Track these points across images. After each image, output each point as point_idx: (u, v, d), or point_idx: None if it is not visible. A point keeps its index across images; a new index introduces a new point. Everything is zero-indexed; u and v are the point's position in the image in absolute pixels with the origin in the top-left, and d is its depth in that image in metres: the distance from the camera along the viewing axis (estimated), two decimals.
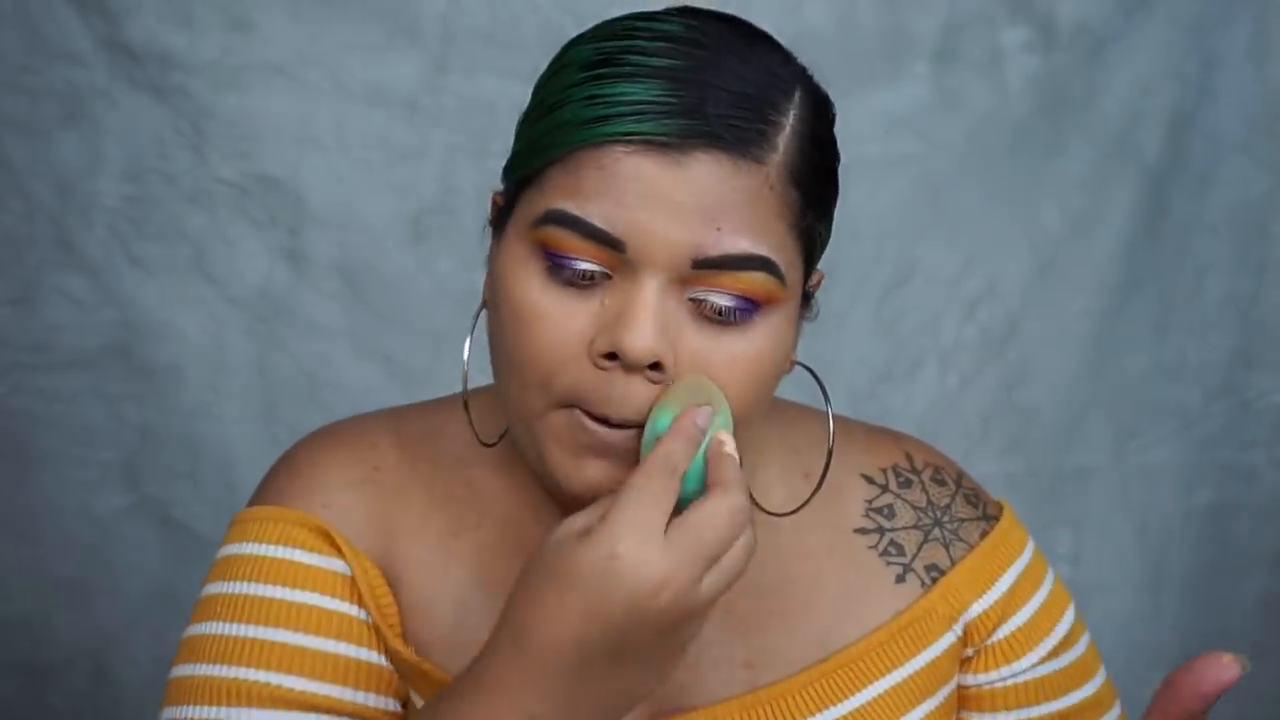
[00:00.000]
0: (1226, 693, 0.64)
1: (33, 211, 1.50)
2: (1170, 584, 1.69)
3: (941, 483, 0.89)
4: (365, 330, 1.56)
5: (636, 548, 0.63)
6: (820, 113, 0.76)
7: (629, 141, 0.70)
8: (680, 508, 0.67)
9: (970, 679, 0.87)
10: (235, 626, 0.79)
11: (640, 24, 0.74)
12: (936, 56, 1.59)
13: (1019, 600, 0.87)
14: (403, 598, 0.82)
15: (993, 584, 0.86)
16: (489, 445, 0.83)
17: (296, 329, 1.56)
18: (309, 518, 0.82)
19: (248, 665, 0.78)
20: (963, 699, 0.87)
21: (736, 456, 0.69)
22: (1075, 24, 1.60)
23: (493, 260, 0.78)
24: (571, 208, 0.70)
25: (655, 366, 0.70)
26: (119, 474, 1.56)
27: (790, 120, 0.73)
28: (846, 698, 0.82)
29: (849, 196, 1.72)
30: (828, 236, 0.78)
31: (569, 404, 0.72)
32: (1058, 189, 1.63)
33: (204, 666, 0.79)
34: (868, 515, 0.87)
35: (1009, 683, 0.86)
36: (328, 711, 0.78)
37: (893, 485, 0.88)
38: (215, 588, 0.81)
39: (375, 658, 0.80)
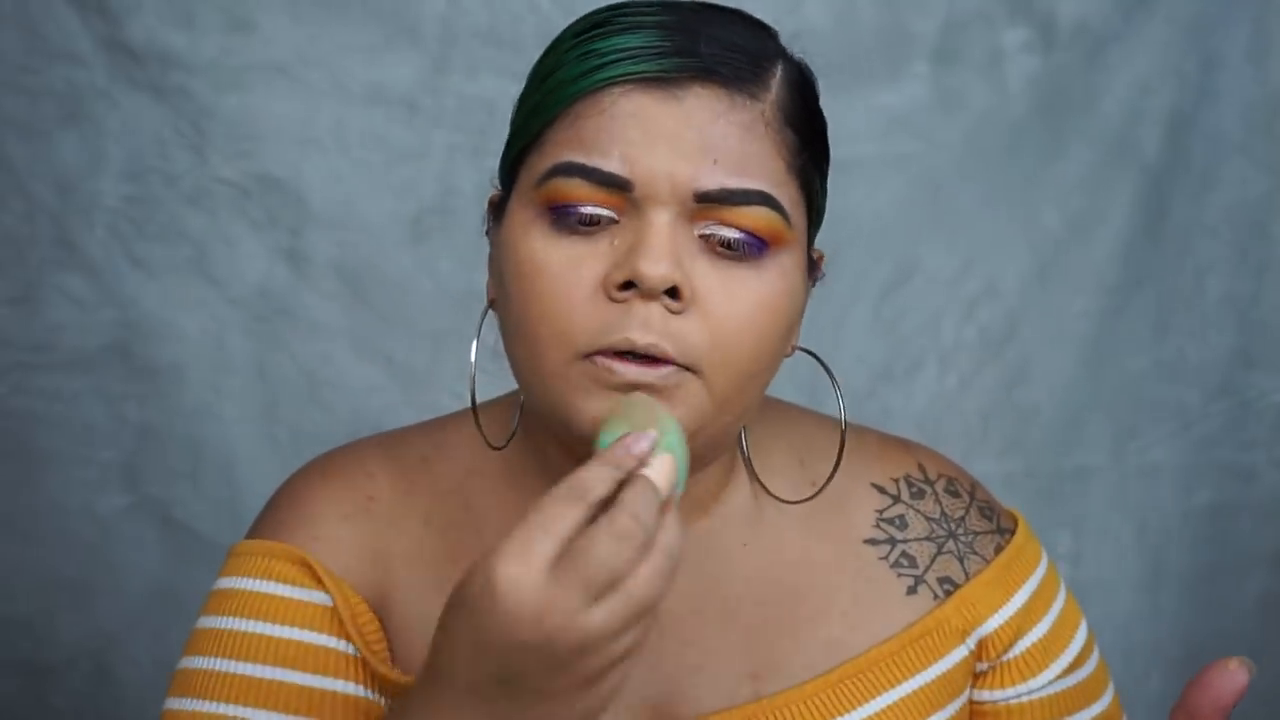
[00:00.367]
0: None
1: (33, 211, 1.50)
2: (1170, 584, 1.69)
3: (955, 494, 0.88)
4: (365, 330, 1.56)
5: (514, 575, 0.59)
6: (806, 79, 0.78)
7: (625, 81, 0.71)
8: None
9: (986, 695, 0.86)
10: (218, 662, 0.79)
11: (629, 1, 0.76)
12: (936, 56, 1.59)
13: (1035, 616, 0.86)
14: (394, 624, 0.81)
15: (1008, 599, 0.85)
16: (497, 448, 0.82)
17: (297, 329, 1.56)
18: (292, 550, 0.81)
19: (227, 700, 0.78)
20: (978, 715, 0.86)
21: (660, 483, 0.63)
22: (1075, 24, 1.60)
23: (495, 247, 0.78)
24: (577, 157, 0.71)
25: (673, 294, 0.70)
26: (120, 474, 1.56)
27: (780, 68, 0.75)
28: (854, 708, 0.81)
29: (849, 196, 1.73)
30: (825, 195, 0.78)
31: (589, 354, 0.70)
32: (1057, 189, 1.63)
33: (189, 701, 0.79)
34: (878, 526, 0.86)
35: (1025, 699, 0.86)
36: None
37: (905, 495, 0.87)
38: (205, 622, 0.82)
39: (354, 689, 0.80)
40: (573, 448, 0.74)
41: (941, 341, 1.64)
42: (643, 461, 0.64)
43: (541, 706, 0.62)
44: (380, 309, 1.56)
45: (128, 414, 1.55)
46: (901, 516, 0.86)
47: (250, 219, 1.53)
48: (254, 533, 0.85)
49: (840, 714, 0.81)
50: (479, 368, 0.82)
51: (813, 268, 0.79)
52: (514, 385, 0.81)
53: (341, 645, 0.80)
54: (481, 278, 0.81)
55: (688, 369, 0.71)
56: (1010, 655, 0.85)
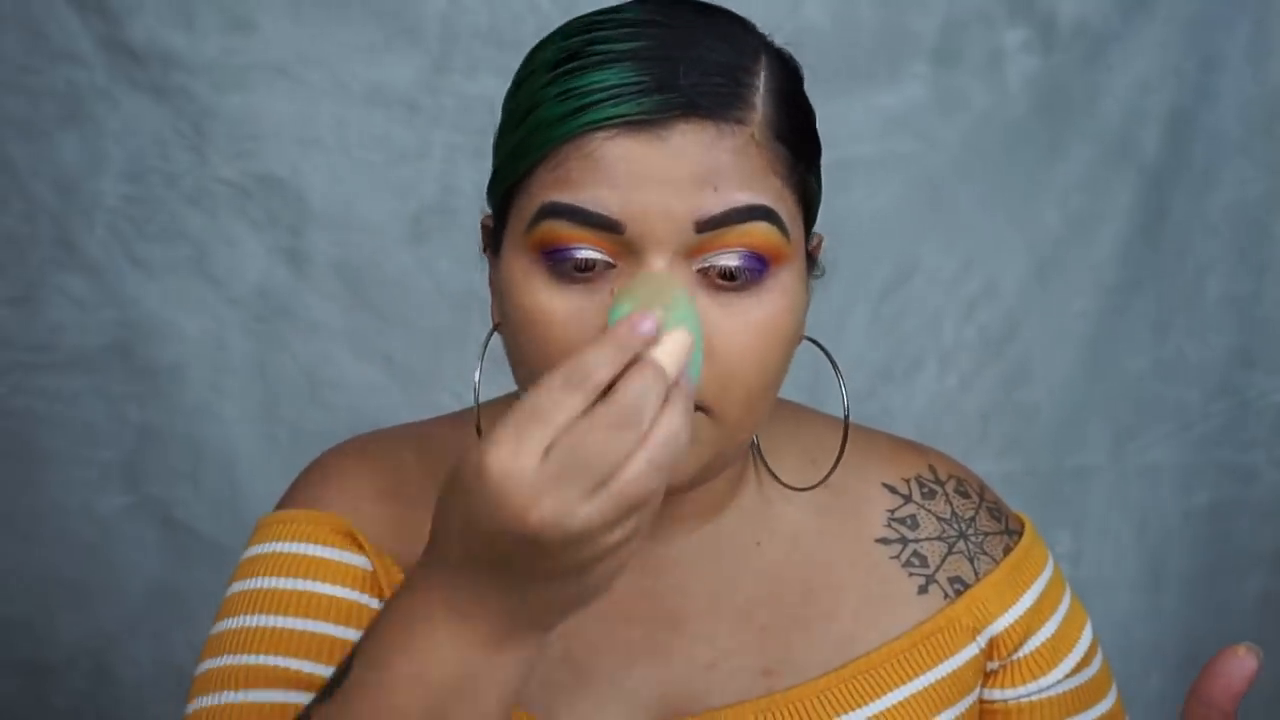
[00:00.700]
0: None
1: (34, 211, 1.50)
2: (1170, 583, 1.69)
3: (965, 495, 0.89)
4: (365, 330, 1.56)
5: (505, 464, 0.58)
6: (789, 72, 0.76)
7: (609, 125, 0.70)
8: None
9: (997, 694, 0.86)
10: (251, 618, 0.79)
11: (599, 17, 0.74)
12: (936, 56, 1.59)
13: (1043, 616, 0.87)
14: None
15: (1018, 599, 0.86)
16: None
17: (297, 329, 1.56)
18: (333, 518, 0.82)
19: (259, 652, 0.78)
20: (988, 714, 0.87)
21: (668, 365, 0.60)
22: (1075, 24, 1.60)
23: (494, 282, 0.78)
24: (564, 198, 0.70)
25: None
26: (120, 474, 1.56)
27: (763, 81, 0.73)
28: (866, 703, 0.81)
29: (849, 196, 1.73)
30: (820, 192, 0.78)
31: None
32: (1057, 189, 1.63)
33: (219, 660, 0.79)
34: (890, 525, 0.86)
35: (1036, 698, 0.86)
36: None
37: (916, 495, 0.87)
38: (236, 587, 0.82)
39: None
40: None
41: (941, 341, 1.64)
42: (650, 342, 0.61)
43: (533, 590, 0.61)
44: (380, 309, 1.56)
45: (128, 414, 1.55)
46: (913, 516, 0.87)
47: (250, 219, 1.54)
48: (285, 505, 0.85)
49: (852, 709, 0.81)
50: (480, 368, 0.82)
51: (812, 263, 0.79)
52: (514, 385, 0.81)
53: (378, 605, 0.80)
54: (481, 278, 0.81)
55: (695, 408, 0.70)
56: (1020, 654, 0.86)
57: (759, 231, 0.71)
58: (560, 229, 0.70)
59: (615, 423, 0.58)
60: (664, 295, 0.66)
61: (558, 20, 0.77)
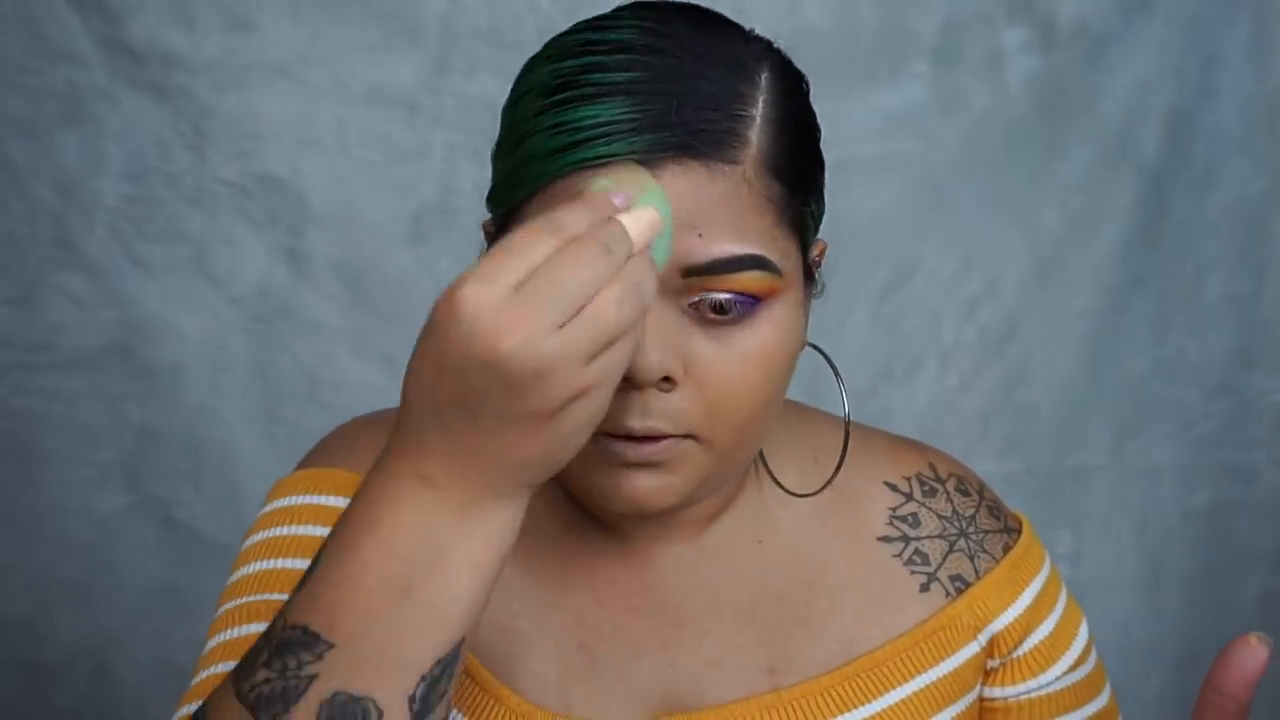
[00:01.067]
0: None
1: (34, 211, 1.51)
2: (1170, 583, 1.70)
3: (966, 493, 0.89)
4: (365, 330, 1.56)
5: (477, 293, 0.60)
6: (791, 89, 0.75)
7: (599, 165, 0.69)
8: None
9: (997, 692, 0.87)
10: (273, 562, 0.80)
11: (594, 35, 0.73)
12: (936, 56, 1.59)
13: (1042, 613, 0.87)
14: None
15: (1017, 597, 0.86)
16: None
17: (297, 329, 1.56)
18: (355, 476, 0.82)
19: (281, 590, 0.78)
20: (988, 712, 0.87)
21: (635, 232, 0.63)
22: (1075, 24, 1.60)
23: None
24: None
25: (665, 379, 0.70)
26: (120, 474, 1.57)
27: (760, 109, 0.72)
28: (869, 701, 0.82)
29: (849, 196, 1.72)
30: (822, 209, 0.77)
31: (594, 433, 0.71)
32: (1057, 189, 1.63)
33: (239, 600, 0.80)
34: (891, 523, 0.86)
35: (1036, 694, 0.87)
36: None
37: (917, 493, 0.88)
38: (255, 538, 0.82)
39: None
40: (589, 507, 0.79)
41: (941, 341, 1.64)
42: (620, 211, 0.64)
43: (503, 435, 0.61)
44: (380, 309, 1.56)
45: (128, 414, 1.55)
46: (914, 514, 0.87)
47: (250, 219, 1.54)
48: (305, 466, 0.86)
49: (855, 707, 0.81)
50: None
51: (811, 276, 0.79)
52: None
53: None
54: None
55: (685, 435, 0.72)
56: (1019, 652, 0.86)
57: (748, 279, 0.71)
58: None
59: (587, 258, 0.60)
60: (641, 183, 0.67)
61: (558, 20, 0.77)
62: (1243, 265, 1.65)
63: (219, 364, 1.55)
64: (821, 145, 0.79)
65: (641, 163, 0.69)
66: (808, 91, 0.77)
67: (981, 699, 0.87)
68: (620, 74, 0.70)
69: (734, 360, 0.71)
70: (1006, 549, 0.88)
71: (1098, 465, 1.68)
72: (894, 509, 0.87)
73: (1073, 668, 0.88)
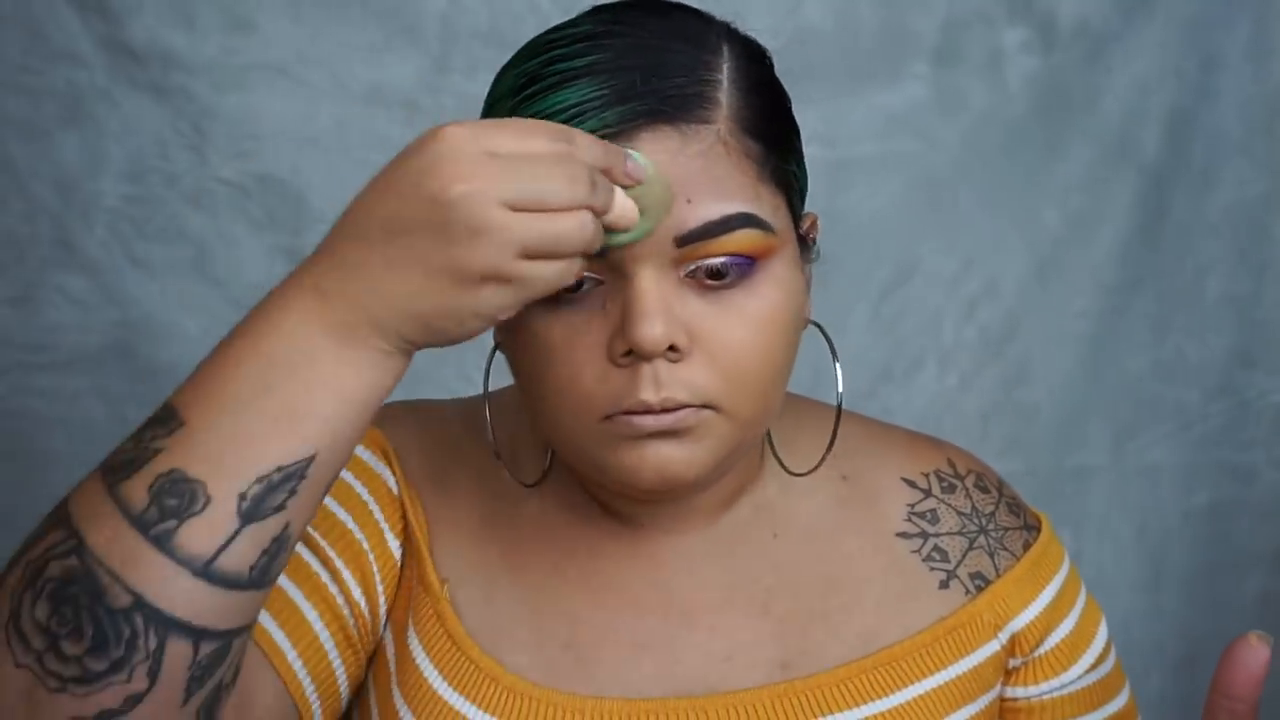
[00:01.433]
0: None
1: (33, 211, 1.50)
2: (1170, 583, 1.69)
3: (985, 490, 0.89)
4: None
5: (460, 135, 0.62)
6: (755, 58, 0.76)
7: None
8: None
9: (1020, 692, 0.86)
10: None
11: (554, 35, 0.74)
12: (936, 56, 1.59)
13: (1062, 612, 0.87)
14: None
15: (1038, 595, 0.86)
16: (530, 485, 0.83)
17: None
18: (375, 431, 0.84)
19: None
20: (1010, 712, 0.87)
21: (615, 206, 0.66)
22: (1075, 24, 1.60)
23: None
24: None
25: (673, 348, 0.70)
26: None
27: (726, 74, 0.73)
28: (885, 695, 0.81)
29: (849, 196, 1.72)
30: (804, 175, 0.78)
31: (609, 415, 0.72)
32: (1057, 189, 1.63)
33: None
34: (910, 519, 0.86)
35: (1058, 694, 0.86)
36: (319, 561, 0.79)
37: (936, 490, 0.87)
38: None
39: (373, 563, 0.81)
40: (610, 489, 0.78)
41: (941, 341, 1.64)
42: (630, 176, 0.66)
43: (408, 275, 0.62)
44: None
45: (128, 414, 1.55)
46: (933, 511, 0.87)
47: (250, 219, 1.54)
48: None
49: (871, 700, 0.80)
50: (481, 366, 0.82)
51: (807, 245, 0.79)
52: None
53: (391, 539, 0.81)
54: None
55: (704, 406, 0.72)
56: (1040, 651, 0.86)
57: (741, 238, 0.71)
58: None
59: (570, 177, 0.62)
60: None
61: (557, 20, 0.77)
62: (1243, 265, 1.65)
63: None
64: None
65: (615, 135, 0.69)
66: (771, 65, 0.77)
67: (1003, 699, 0.86)
68: (583, 59, 0.71)
69: (739, 325, 0.71)
70: (1026, 546, 0.87)
71: (1098, 465, 1.68)
72: (913, 505, 0.87)
73: (1093, 666, 0.87)
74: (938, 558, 0.85)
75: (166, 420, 0.65)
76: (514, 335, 0.74)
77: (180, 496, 0.62)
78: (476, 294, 0.63)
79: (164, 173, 1.52)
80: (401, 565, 0.82)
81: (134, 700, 0.61)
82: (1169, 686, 1.65)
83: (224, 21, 1.49)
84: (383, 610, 0.81)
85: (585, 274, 0.70)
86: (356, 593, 0.80)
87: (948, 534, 0.86)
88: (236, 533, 0.62)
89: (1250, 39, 1.61)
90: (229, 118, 1.51)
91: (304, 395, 0.63)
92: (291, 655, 0.76)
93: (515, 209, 0.61)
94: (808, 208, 0.80)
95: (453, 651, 0.79)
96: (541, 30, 0.77)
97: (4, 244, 1.51)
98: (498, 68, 0.78)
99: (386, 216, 0.63)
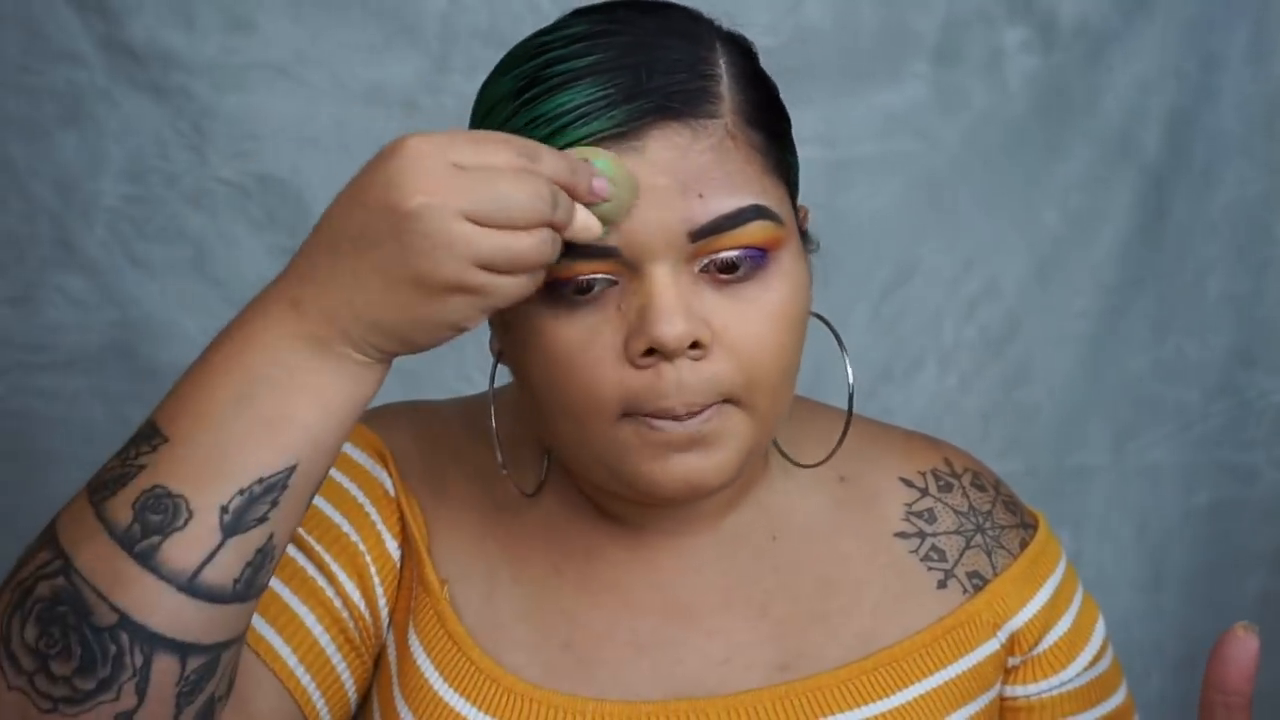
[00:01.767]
0: None
1: (33, 211, 1.50)
2: (1170, 583, 1.69)
3: (981, 488, 0.89)
4: None
5: (423, 147, 0.62)
6: (746, 51, 0.76)
7: (583, 146, 0.69)
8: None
9: (1020, 690, 0.86)
10: None
11: (546, 38, 0.74)
12: (936, 56, 1.59)
13: (1060, 610, 0.87)
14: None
15: (1036, 593, 0.86)
16: (530, 495, 0.83)
17: None
18: (374, 436, 0.84)
19: None
20: (1010, 711, 0.87)
21: (579, 216, 0.66)
22: (1075, 24, 1.60)
23: (498, 315, 0.77)
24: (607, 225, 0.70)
25: (694, 345, 0.70)
26: None
27: (724, 68, 0.73)
28: (885, 696, 0.81)
29: (849, 196, 1.72)
30: (797, 163, 0.78)
31: (628, 413, 0.71)
32: (1057, 189, 1.63)
33: None
34: (907, 519, 0.86)
35: (1056, 692, 0.86)
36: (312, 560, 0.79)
37: (933, 489, 0.87)
38: None
39: (368, 591, 0.80)
40: (625, 496, 0.77)
41: (941, 341, 1.64)
42: (590, 191, 0.66)
43: (375, 288, 0.63)
44: None
45: (128, 414, 1.55)
46: (930, 510, 0.87)
47: (250, 219, 1.53)
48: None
49: (871, 701, 0.80)
50: (481, 365, 0.82)
51: (805, 237, 0.79)
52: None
53: (389, 540, 0.81)
54: None
55: (726, 401, 0.72)
56: (1039, 649, 0.86)
57: (754, 230, 0.71)
58: (557, 265, 0.69)
59: (533, 193, 0.63)
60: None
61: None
62: (1243, 265, 1.65)
63: None
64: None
65: (625, 134, 0.69)
66: (757, 55, 0.78)
67: (1002, 698, 0.86)
68: (583, 59, 0.71)
69: (756, 318, 0.72)
70: (1024, 545, 0.87)
71: (1098, 465, 1.68)
72: (910, 505, 0.87)
73: (1091, 664, 0.88)
74: (935, 557, 0.85)
75: (149, 436, 0.65)
76: (523, 340, 0.74)
77: (163, 512, 0.62)
78: (442, 304, 0.63)
79: (164, 172, 1.52)
80: (400, 566, 0.82)
81: (124, 718, 0.62)
82: (1169, 686, 1.65)
83: (224, 21, 1.49)
84: (384, 612, 0.81)
85: (596, 274, 0.70)
86: (355, 596, 0.80)
87: (945, 533, 0.86)
88: (220, 546, 0.63)
89: (1250, 39, 1.61)
90: (229, 117, 1.51)
91: (283, 406, 0.64)
92: (293, 661, 0.76)
93: (476, 222, 0.62)
94: (806, 204, 0.80)
95: (453, 652, 0.79)
96: None
97: (4, 244, 1.51)
98: (491, 73, 0.78)
99: (352, 228, 0.63)
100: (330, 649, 0.78)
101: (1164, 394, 1.67)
